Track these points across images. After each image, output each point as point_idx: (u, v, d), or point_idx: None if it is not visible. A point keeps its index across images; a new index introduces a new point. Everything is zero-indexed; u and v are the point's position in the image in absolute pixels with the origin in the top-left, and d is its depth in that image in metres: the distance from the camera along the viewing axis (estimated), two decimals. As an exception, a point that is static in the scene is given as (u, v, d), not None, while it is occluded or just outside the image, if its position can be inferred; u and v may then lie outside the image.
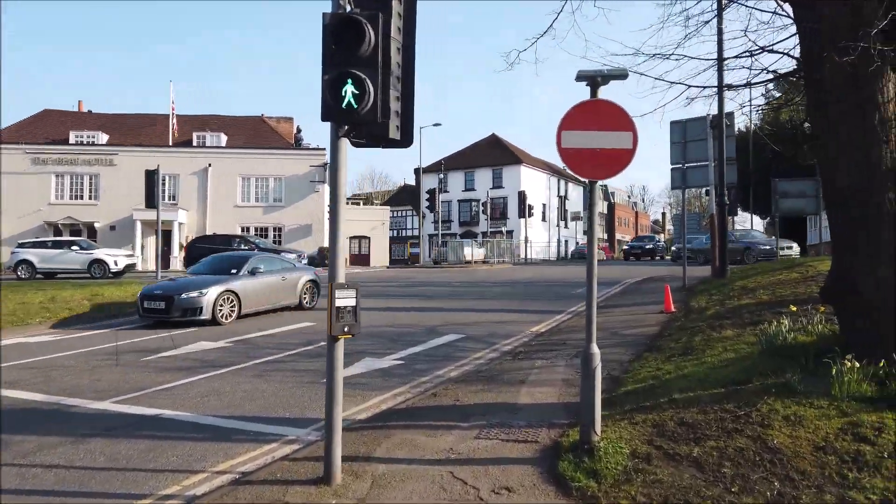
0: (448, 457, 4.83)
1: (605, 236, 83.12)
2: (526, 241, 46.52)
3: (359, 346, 9.98)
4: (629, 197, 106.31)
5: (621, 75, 4.44)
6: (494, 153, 64.20)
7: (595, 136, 4.62)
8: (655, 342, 8.66)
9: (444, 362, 8.78)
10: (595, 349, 4.62)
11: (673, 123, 16.33)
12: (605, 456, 4.32)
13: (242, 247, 27.45)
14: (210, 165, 38.89)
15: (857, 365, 4.75)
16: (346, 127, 4.19)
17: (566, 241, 66.36)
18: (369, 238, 47.05)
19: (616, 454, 4.35)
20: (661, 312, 12.05)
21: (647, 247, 45.62)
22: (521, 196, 40.31)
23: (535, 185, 61.22)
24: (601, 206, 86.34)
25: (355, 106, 3.97)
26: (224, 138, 42.74)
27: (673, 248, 38.89)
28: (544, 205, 62.88)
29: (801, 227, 34.12)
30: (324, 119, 4.06)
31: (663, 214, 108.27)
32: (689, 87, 6.31)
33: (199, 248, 27.82)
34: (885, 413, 4.44)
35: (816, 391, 4.84)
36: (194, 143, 42.11)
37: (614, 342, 9.31)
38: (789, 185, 18.54)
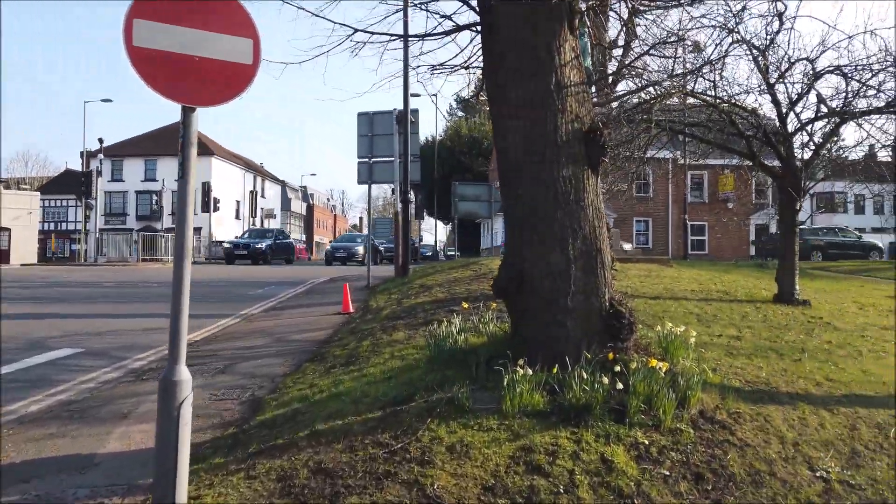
0: None
1: (304, 237, 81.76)
2: (210, 238, 42.27)
3: None
4: (329, 200, 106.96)
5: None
6: (182, 141, 57.88)
7: (193, 37, 2.94)
8: (322, 349, 7.31)
9: (29, 390, 6.13)
10: (183, 374, 2.92)
11: (360, 115, 15.57)
12: (185, 549, 2.65)
13: None
14: None
15: (530, 372, 3.93)
16: None
17: (261, 241, 63.26)
18: (10, 230, 37.83)
19: (206, 542, 2.71)
20: (339, 314, 10.91)
21: (258, 246, 31.02)
22: (206, 188, 36.25)
23: (229, 180, 57.02)
24: (300, 207, 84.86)
25: None
26: None
27: (328, 248, 34.74)
28: (238, 201, 58.93)
29: (477, 232, 37.33)
30: None
31: (361, 219, 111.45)
32: (356, 30, 5.05)
33: None
34: (559, 430, 3.64)
35: (487, 407, 3.89)
36: None
37: (276, 350, 7.73)
38: (467, 188, 19.41)
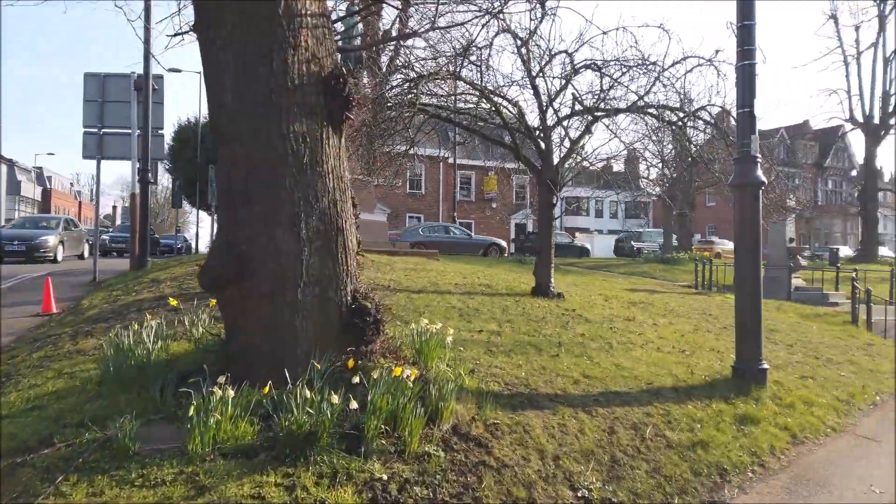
0: None
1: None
2: None
3: None
4: (73, 185, 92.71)
5: None
6: None
7: None
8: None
9: None
10: None
11: (87, 76, 12.86)
12: None
13: None
14: None
15: (231, 393, 2.84)
16: None
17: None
18: None
19: None
20: (38, 315, 8.61)
21: None
22: None
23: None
24: (33, 192, 71.87)
25: None
26: None
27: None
28: (-60, 180, 47.84)
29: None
30: None
31: (114, 208, 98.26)
32: None
33: None
34: (266, 475, 2.60)
35: (167, 448, 2.71)
36: None
37: None
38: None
